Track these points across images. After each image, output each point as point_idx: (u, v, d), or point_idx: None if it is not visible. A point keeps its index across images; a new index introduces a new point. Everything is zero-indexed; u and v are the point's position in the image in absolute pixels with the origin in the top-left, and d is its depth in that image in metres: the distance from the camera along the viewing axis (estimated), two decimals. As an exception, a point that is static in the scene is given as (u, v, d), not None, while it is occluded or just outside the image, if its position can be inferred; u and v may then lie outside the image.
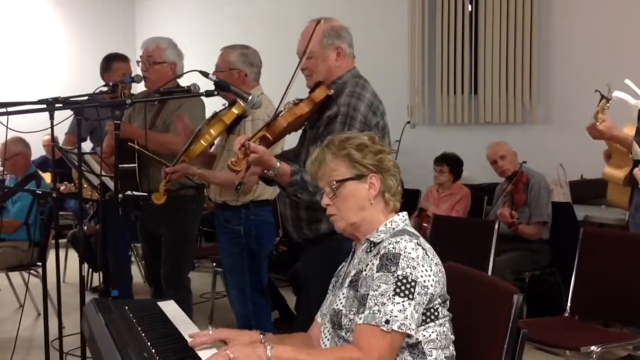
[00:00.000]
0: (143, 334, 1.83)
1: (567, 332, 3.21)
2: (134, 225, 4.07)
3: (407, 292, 1.60)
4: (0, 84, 8.89)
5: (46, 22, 9.86)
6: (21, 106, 2.82)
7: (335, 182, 1.78)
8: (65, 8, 10.00)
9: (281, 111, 2.49)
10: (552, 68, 5.38)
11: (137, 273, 5.93)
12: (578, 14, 5.24)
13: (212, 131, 3.26)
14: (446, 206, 5.03)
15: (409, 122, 6.08)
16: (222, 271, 4.68)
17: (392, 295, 1.59)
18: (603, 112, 3.22)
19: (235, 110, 3.28)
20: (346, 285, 1.77)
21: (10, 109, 2.80)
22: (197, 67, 3.01)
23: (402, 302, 1.59)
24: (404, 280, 1.61)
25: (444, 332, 1.71)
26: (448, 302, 1.74)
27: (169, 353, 1.71)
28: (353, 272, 1.77)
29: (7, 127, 2.92)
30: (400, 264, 1.62)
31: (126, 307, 2.09)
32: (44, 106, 2.90)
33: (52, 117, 3.03)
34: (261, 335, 1.85)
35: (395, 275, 1.61)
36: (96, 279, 5.70)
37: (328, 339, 1.80)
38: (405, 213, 1.85)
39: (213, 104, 3.51)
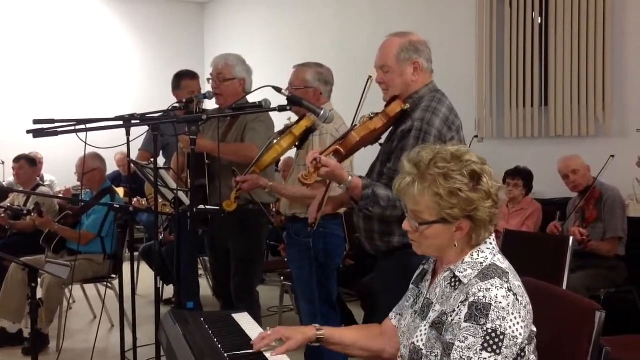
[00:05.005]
0: (219, 345, 1.85)
1: (647, 351, 3.09)
2: (201, 239, 4.13)
3: (495, 347, 1.53)
4: (73, 101, 9.25)
5: (118, 42, 10.24)
6: (99, 123, 2.93)
7: (418, 224, 1.68)
8: (137, 27, 10.37)
9: (355, 125, 2.49)
10: (626, 78, 5.21)
11: (205, 286, 6.03)
12: (653, 22, 5.08)
13: (282, 143, 3.32)
14: (516, 222, 4.93)
15: (476, 136, 6.00)
16: (291, 285, 4.73)
17: (480, 350, 1.54)
18: None
19: (304, 124, 3.32)
20: (429, 322, 1.71)
21: (89, 126, 2.90)
22: (264, 82, 3.07)
23: (489, 357, 1.53)
24: (493, 334, 1.54)
25: None
26: (534, 336, 1.67)
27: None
28: (437, 309, 1.70)
29: (85, 143, 3.02)
30: (490, 315, 1.55)
31: (202, 319, 2.12)
32: (121, 122, 3.01)
33: (128, 133, 3.14)
34: (318, 331, 1.88)
35: (485, 328, 1.54)
36: (166, 292, 5.82)
37: None
38: (492, 239, 1.73)
39: (281, 120, 3.57)
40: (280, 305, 5.24)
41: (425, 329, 1.70)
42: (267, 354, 1.78)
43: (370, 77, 2.58)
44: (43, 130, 2.78)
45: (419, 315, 1.78)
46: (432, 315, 1.71)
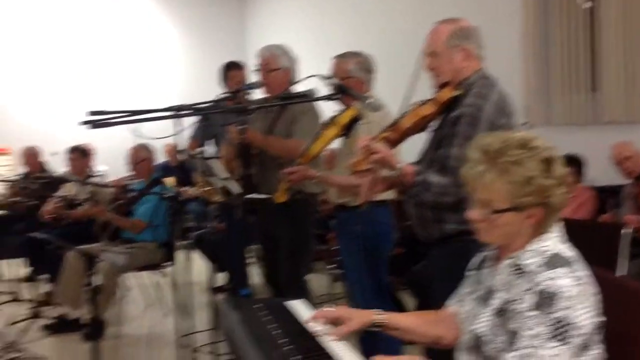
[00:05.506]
0: (278, 331, 1.88)
1: None
2: (251, 227, 4.17)
3: (561, 337, 1.51)
4: (119, 93, 9.43)
5: (163, 35, 10.38)
6: (150, 114, 2.98)
7: (491, 211, 1.66)
8: (179, 18, 10.49)
9: (405, 112, 2.49)
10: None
11: (256, 274, 6.09)
12: None
13: (328, 133, 3.32)
14: (569, 209, 4.84)
15: (525, 123, 5.90)
16: (341, 273, 4.74)
17: (547, 338, 1.52)
18: None
19: (350, 113, 3.31)
20: (491, 309, 1.70)
21: (140, 117, 2.94)
22: (307, 72, 3.08)
23: (557, 346, 1.51)
24: (560, 324, 1.52)
25: (595, 357, 1.62)
26: (601, 326, 1.63)
27: (303, 350, 1.74)
28: (500, 297, 1.69)
29: (138, 135, 3.08)
30: (557, 304, 1.52)
31: (259, 305, 2.15)
32: (172, 113, 3.06)
33: (178, 124, 3.19)
34: (377, 316, 1.89)
35: (552, 317, 1.52)
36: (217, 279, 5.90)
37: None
38: (559, 228, 1.69)
39: (329, 111, 3.57)
40: (330, 293, 5.26)
41: (488, 317, 1.70)
42: (325, 338, 1.80)
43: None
44: (97, 121, 2.83)
45: (480, 302, 1.77)
46: (495, 302, 1.70)
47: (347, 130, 3.39)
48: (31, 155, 7.26)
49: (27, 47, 9.40)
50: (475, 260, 1.92)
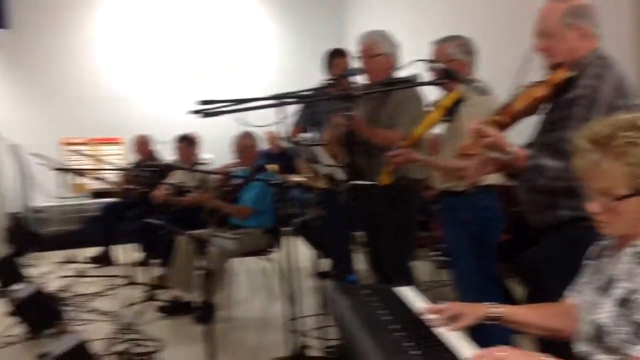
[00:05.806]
0: (388, 317, 1.88)
1: None
2: (355, 214, 4.18)
3: None
4: (223, 83, 9.67)
5: (263, 25, 10.53)
6: (256, 102, 3.03)
7: (612, 199, 1.60)
8: (280, 10, 10.60)
9: (516, 94, 2.42)
10: None
11: (361, 260, 6.11)
12: None
13: (431, 116, 3.29)
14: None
15: (637, 105, 5.57)
16: (447, 260, 4.69)
17: None
18: None
19: (453, 96, 3.27)
20: (614, 299, 1.64)
21: (247, 106, 3.00)
22: (407, 59, 3.04)
23: None
24: None
25: None
26: None
27: (415, 337, 1.74)
28: (623, 286, 1.63)
29: (243, 123, 3.14)
30: None
31: (367, 291, 2.16)
32: (278, 101, 3.11)
33: (281, 112, 3.23)
34: (490, 309, 1.88)
35: None
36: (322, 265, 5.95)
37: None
38: None
39: (432, 96, 3.52)
40: (435, 280, 5.20)
41: (609, 307, 1.64)
42: (440, 329, 1.81)
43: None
44: (206, 110, 2.92)
45: (600, 292, 1.71)
46: (618, 292, 1.63)
47: (449, 113, 3.34)
48: (142, 144, 7.56)
49: (138, 41, 9.79)
50: (594, 249, 1.85)
